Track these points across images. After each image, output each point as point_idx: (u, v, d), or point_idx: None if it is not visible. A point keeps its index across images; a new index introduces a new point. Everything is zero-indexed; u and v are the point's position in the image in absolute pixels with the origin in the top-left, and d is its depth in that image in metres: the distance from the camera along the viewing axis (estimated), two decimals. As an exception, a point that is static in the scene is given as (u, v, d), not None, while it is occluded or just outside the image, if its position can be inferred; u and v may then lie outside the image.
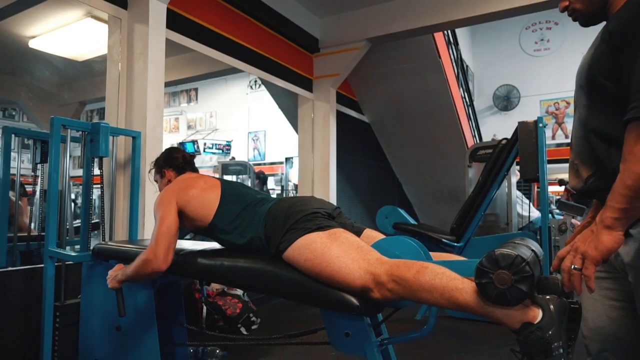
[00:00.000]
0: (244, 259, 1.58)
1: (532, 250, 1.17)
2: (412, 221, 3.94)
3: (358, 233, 1.61)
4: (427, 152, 6.66)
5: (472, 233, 3.60)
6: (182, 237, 2.04)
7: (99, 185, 2.55)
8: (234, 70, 5.23)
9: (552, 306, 1.09)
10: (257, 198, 1.69)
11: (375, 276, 1.29)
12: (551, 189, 7.97)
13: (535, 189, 7.02)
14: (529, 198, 6.25)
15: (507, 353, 2.88)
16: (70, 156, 2.46)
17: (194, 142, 10.42)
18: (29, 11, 4.45)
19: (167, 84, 4.13)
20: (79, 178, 2.72)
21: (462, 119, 6.61)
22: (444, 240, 3.53)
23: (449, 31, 6.58)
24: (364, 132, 6.54)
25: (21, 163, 2.93)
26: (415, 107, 6.29)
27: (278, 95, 6.00)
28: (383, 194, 6.85)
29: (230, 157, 9.96)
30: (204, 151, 10.28)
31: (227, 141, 10.43)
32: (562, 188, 6.03)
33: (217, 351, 2.42)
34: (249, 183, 7.78)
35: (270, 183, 9.30)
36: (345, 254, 1.36)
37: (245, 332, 3.21)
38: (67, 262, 2.34)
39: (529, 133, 3.36)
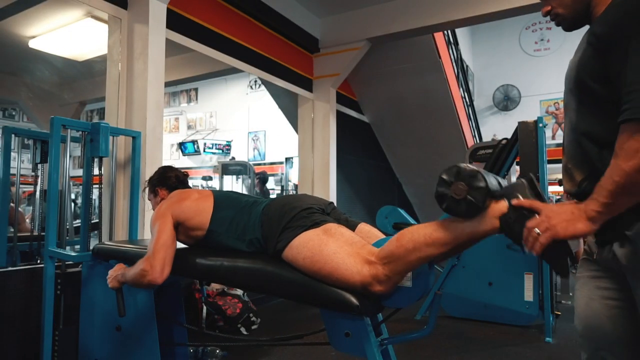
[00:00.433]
0: (244, 259, 1.58)
1: (496, 179, 1.24)
2: (412, 221, 3.95)
3: (352, 227, 1.62)
4: (427, 152, 6.66)
5: (472, 233, 3.60)
6: None
7: (98, 185, 2.55)
8: (234, 70, 5.23)
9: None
10: (249, 201, 1.70)
11: (370, 268, 1.31)
12: (551, 189, 7.97)
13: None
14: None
15: (507, 353, 2.88)
16: (70, 156, 2.46)
17: (194, 142, 10.43)
18: (29, 11, 4.45)
19: (167, 84, 4.13)
20: (79, 178, 2.73)
21: (462, 119, 6.61)
22: (444, 240, 3.52)
23: (449, 31, 6.58)
24: (364, 132, 6.54)
25: (21, 163, 2.93)
26: (415, 107, 6.29)
27: (278, 95, 6.00)
28: (383, 194, 6.85)
29: (230, 157, 9.97)
30: (204, 151, 10.28)
31: (227, 141, 10.43)
32: (562, 188, 6.02)
33: (217, 351, 2.42)
34: (249, 183, 7.79)
35: (270, 183, 9.30)
36: (341, 249, 1.37)
37: (245, 332, 3.21)
38: (67, 262, 2.34)
39: (529, 133, 3.36)
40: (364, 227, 1.67)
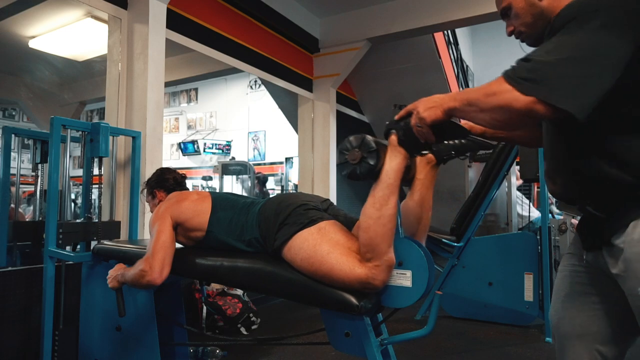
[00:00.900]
0: (244, 259, 1.58)
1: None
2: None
3: (351, 223, 1.61)
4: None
5: (472, 233, 3.60)
6: None
7: (98, 185, 2.55)
8: (234, 70, 5.24)
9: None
10: (247, 202, 1.71)
11: (362, 265, 1.31)
12: (551, 195, 7.95)
13: (535, 189, 7.03)
14: (529, 198, 6.25)
15: (507, 353, 2.88)
16: (70, 156, 2.46)
17: (194, 142, 10.43)
18: (29, 11, 4.45)
19: (167, 84, 4.14)
20: (79, 178, 2.73)
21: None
22: (444, 240, 3.52)
23: (449, 31, 6.59)
24: (364, 132, 6.53)
25: (21, 163, 2.93)
26: (415, 107, 6.28)
27: (278, 95, 6.00)
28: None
29: (230, 157, 9.96)
30: (204, 151, 10.28)
31: (227, 141, 10.43)
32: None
33: (217, 351, 2.42)
34: (249, 183, 7.79)
35: (270, 183, 9.30)
36: (334, 248, 1.37)
37: (245, 332, 3.21)
38: (67, 262, 2.34)
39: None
40: None
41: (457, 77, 6.81)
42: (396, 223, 1.33)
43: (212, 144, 10.31)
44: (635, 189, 0.97)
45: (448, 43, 6.47)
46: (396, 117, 1.26)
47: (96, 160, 2.49)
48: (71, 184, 2.71)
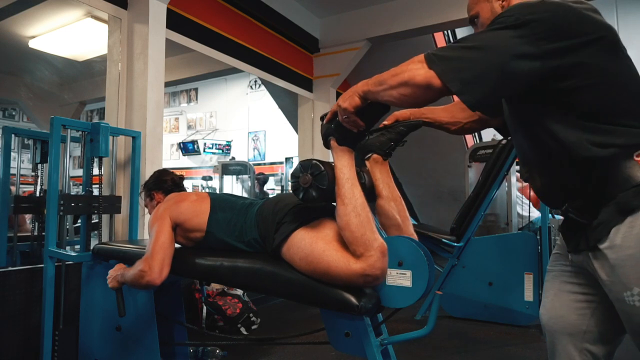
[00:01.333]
0: (244, 259, 1.58)
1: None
2: (412, 221, 3.94)
3: None
4: (427, 152, 6.66)
5: (472, 233, 3.59)
6: None
7: (98, 185, 2.55)
8: (234, 70, 5.24)
9: None
10: (245, 203, 1.71)
11: (357, 261, 1.31)
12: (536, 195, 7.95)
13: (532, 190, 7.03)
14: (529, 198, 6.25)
15: (507, 353, 2.88)
16: (70, 156, 2.46)
17: (194, 142, 10.43)
18: (29, 11, 4.46)
19: (167, 84, 4.14)
20: (79, 178, 2.73)
21: (462, 119, 6.60)
22: (444, 240, 3.52)
23: (449, 31, 6.58)
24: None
25: (21, 163, 2.93)
26: (415, 107, 6.28)
27: (278, 95, 6.00)
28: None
29: (230, 157, 9.96)
30: (204, 151, 10.28)
31: (227, 141, 10.43)
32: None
33: (217, 351, 2.42)
34: (249, 183, 7.79)
35: (270, 183, 9.30)
36: (329, 245, 1.37)
37: (245, 332, 3.21)
38: (67, 262, 2.34)
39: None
40: None
41: (457, 77, 6.81)
42: (369, 210, 1.35)
43: (212, 144, 10.32)
44: (614, 194, 0.98)
45: (448, 43, 6.47)
46: (325, 121, 1.38)
47: (96, 160, 2.49)
48: (71, 184, 2.71)
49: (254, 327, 3.29)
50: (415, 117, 1.53)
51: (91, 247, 2.10)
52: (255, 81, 9.85)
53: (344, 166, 1.36)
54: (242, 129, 10.40)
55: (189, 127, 11.04)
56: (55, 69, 6.35)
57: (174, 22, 3.32)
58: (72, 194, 2.45)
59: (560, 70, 0.98)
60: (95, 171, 2.50)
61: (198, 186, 10.04)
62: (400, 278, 1.35)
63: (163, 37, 3.04)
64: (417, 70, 1.04)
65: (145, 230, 2.78)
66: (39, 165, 2.82)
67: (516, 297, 3.37)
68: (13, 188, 3.01)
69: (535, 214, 4.66)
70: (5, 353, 2.21)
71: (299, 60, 5.10)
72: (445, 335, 3.26)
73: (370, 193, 1.43)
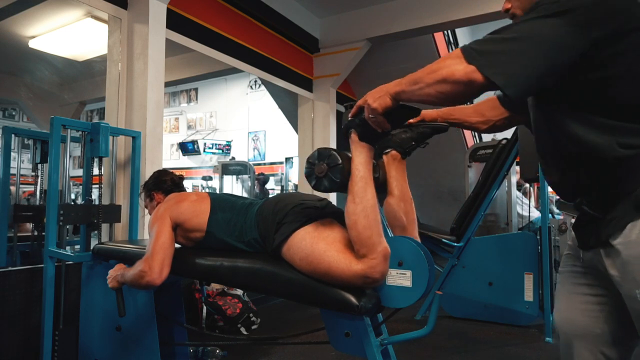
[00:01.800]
0: (244, 259, 1.58)
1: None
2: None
3: None
4: (427, 152, 6.59)
5: (472, 233, 3.60)
6: None
7: (98, 185, 2.55)
8: (234, 70, 5.24)
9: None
10: (245, 203, 1.71)
11: (359, 262, 1.31)
12: (551, 189, 7.96)
13: (535, 189, 7.03)
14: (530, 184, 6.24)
15: (507, 353, 2.88)
16: (70, 156, 2.46)
17: (194, 142, 10.43)
18: (29, 11, 4.46)
19: (167, 84, 4.13)
20: (79, 178, 2.72)
21: (462, 119, 6.60)
22: (444, 240, 3.52)
23: (449, 31, 6.58)
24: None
25: (21, 163, 2.93)
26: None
27: (278, 95, 6.00)
28: (383, 194, 6.83)
29: (230, 157, 9.96)
30: (204, 151, 10.28)
31: (227, 141, 10.44)
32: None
33: (217, 351, 2.42)
34: (249, 183, 7.79)
35: (270, 183, 9.30)
36: (331, 246, 1.37)
37: (245, 332, 3.21)
38: (67, 262, 2.34)
39: (529, 133, 3.34)
40: None
41: (457, 77, 6.81)
42: (379, 213, 1.34)
43: (212, 144, 10.32)
44: (632, 190, 0.96)
45: (448, 43, 6.47)
46: (350, 115, 1.31)
47: (96, 160, 2.49)
48: (71, 184, 2.71)
49: (254, 327, 3.29)
50: (444, 118, 1.47)
51: (91, 247, 2.10)
52: (255, 81, 9.85)
53: (361, 163, 1.33)
54: (242, 129, 10.41)
55: (189, 127, 11.05)
56: (55, 69, 6.35)
57: (174, 22, 3.32)
58: (71, 201, 2.45)
59: (601, 60, 0.94)
60: (95, 171, 2.50)
61: (198, 186, 10.04)
62: (400, 278, 1.35)
63: (163, 37, 3.04)
64: (455, 65, 0.99)
65: (145, 230, 2.78)
66: (39, 165, 2.82)
67: (516, 297, 3.37)
68: (13, 188, 3.01)
69: (535, 214, 4.66)
70: (5, 353, 2.21)
71: (299, 60, 5.10)
72: (445, 335, 3.26)
73: (382, 188, 1.40)
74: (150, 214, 1.95)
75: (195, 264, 1.66)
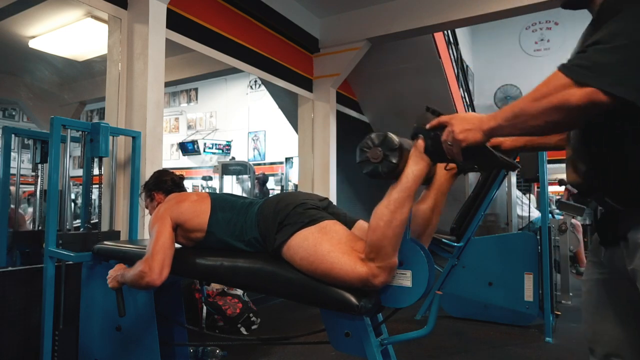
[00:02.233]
0: (244, 259, 1.58)
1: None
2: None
3: (351, 223, 1.62)
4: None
5: (472, 233, 3.60)
6: None
7: (98, 185, 2.55)
8: (234, 70, 5.24)
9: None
10: (245, 202, 1.71)
11: (364, 265, 1.31)
12: (551, 188, 7.97)
13: (535, 189, 7.03)
14: (528, 190, 6.25)
15: (507, 353, 2.88)
16: (70, 156, 2.46)
17: (193, 142, 10.43)
18: (29, 11, 4.45)
19: (167, 84, 4.13)
20: (79, 178, 2.72)
21: (462, 119, 6.60)
22: (444, 240, 3.52)
23: (449, 31, 6.58)
24: (364, 132, 6.54)
25: (21, 163, 2.93)
26: (415, 107, 6.27)
27: (278, 95, 6.00)
28: (383, 194, 6.84)
29: (230, 157, 9.97)
30: (204, 151, 10.28)
31: (227, 141, 10.44)
32: (562, 188, 6.03)
33: (217, 351, 2.42)
34: (249, 183, 7.79)
35: (270, 183, 9.30)
36: (335, 247, 1.37)
37: (245, 332, 3.21)
38: (67, 262, 2.34)
39: (529, 133, 3.34)
40: (362, 224, 1.67)
41: (457, 77, 6.81)
42: (403, 229, 1.31)
43: (212, 144, 10.32)
44: None
45: (448, 43, 6.47)
46: (428, 126, 1.20)
47: (96, 160, 2.49)
48: (71, 184, 2.71)
49: (254, 327, 3.29)
50: (523, 143, 1.36)
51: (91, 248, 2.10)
52: (255, 81, 9.85)
53: (413, 174, 1.27)
54: (242, 129, 10.41)
55: (189, 127, 11.05)
56: (55, 69, 6.34)
57: (174, 22, 3.32)
58: (72, 201, 2.43)
59: None
60: (96, 171, 2.50)
61: (198, 186, 10.04)
62: (400, 278, 1.36)
63: (163, 37, 3.04)
64: (566, 90, 0.87)
65: (146, 230, 2.78)
66: (39, 165, 2.82)
67: (516, 297, 3.37)
68: (13, 188, 3.01)
69: (535, 214, 4.66)
70: (5, 353, 2.21)
71: (299, 60, 5.10)
72: (445, 335, 3.26)
73: (394, 173, 1.30)
74: (150, 214, 1.95)
75: (195, 264, 1.65)
